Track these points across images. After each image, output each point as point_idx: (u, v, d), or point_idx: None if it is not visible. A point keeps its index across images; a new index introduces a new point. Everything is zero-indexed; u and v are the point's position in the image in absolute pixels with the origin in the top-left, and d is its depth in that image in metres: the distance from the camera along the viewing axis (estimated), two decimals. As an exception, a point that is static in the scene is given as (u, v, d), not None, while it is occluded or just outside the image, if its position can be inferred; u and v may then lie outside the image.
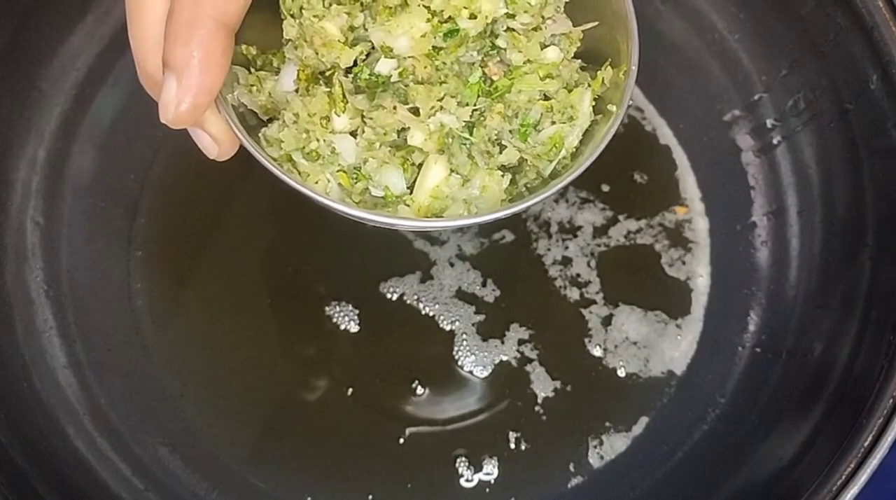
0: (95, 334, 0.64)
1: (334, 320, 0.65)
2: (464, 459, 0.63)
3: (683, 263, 0.67)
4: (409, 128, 0.41)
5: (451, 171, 0.42)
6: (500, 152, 0.43)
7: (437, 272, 0.66)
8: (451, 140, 0.42)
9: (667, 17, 0.68)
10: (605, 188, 0.68)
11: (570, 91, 0.44)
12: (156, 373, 0.64)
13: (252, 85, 0.43)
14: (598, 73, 0.44)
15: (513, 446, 0.63)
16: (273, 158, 0.42)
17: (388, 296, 0.65)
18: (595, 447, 0.63)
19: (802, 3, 0.60)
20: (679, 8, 0.67)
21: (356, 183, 0.42)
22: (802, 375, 0.60)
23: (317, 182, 0.42)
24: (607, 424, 0.64)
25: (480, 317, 0.65)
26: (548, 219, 0.67)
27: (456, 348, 0.64)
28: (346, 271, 0.66)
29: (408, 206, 0.42)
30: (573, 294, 0.66)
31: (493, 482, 0.62)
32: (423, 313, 0.65)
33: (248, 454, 0.63)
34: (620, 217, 0.67)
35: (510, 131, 0.43)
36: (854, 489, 0.49)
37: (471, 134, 0.42)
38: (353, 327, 0.65)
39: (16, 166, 0.62)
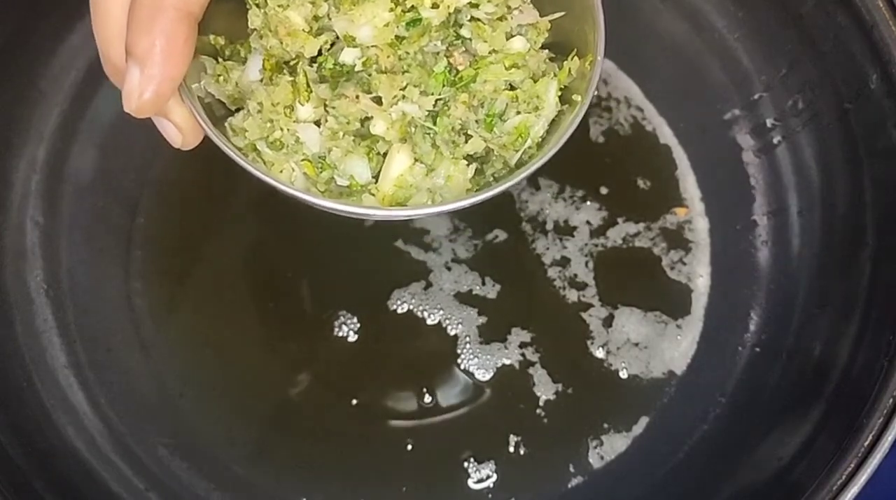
0: (95, 333, 0.64)
1: (337, 327, 0.64)
2: (465, 461, 0.63)
3: (683, 263, 0.67)
4: (371, 117, 0.41)
5: (416, 160, 0.42)
6: (466, 142, 0.43)
7: (435, 278, 0.65)
8: (413, 129, 0.42)
9: (666, 17, 0.68)
10: (604, 191, 0.68)
11: (535, 81, 0.44)
12: (156, 373, 0.64)
13: (219, 75, 0.43)
14: (565, 63, 0.44)
15: (513, 448, 0.63)
16: (238, 148, 0.42)
17: (391, 306, 0.65)
18: (595, 447, 0.64)
19: (802, 2, 0.60)
20: (678, 7, 0.67)
21: (321, 172, 0.42)
22: (802, 375, 0.60)
23: (281, 171, 0.42)
24: (608, 424, 0.64)
25: (483, 319, 0.65)
26: (544, 219, 0.67)
27: (460, 353, 0.64)
28: (348, 278, 0.65)
29: (373, 195, 0.42)
30: (572, 296, 0.66)
31: (493, 482, 0.62)
32: (426, 319, 0.65)
33: (248, 454, 0.63)
34: (619, 219, 0.67)
35: (476, 121, 0.43)
36: (854, 489, 0.49)
37: (434, 124, 0.42)
38: (355, 336, 0.64)
39: (15, 166, 0.62)
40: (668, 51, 0.68)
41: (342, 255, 0.66)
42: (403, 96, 0.41)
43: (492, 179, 0.44)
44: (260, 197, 0.67)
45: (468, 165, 0.43)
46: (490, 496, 0.62)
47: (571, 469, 0.63)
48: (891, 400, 0.50)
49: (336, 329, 0.64)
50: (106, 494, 0.60)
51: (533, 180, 0.67)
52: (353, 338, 0.64)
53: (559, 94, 0.44)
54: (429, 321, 0.65)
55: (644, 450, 0.63)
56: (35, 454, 0.57)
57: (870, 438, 0.50)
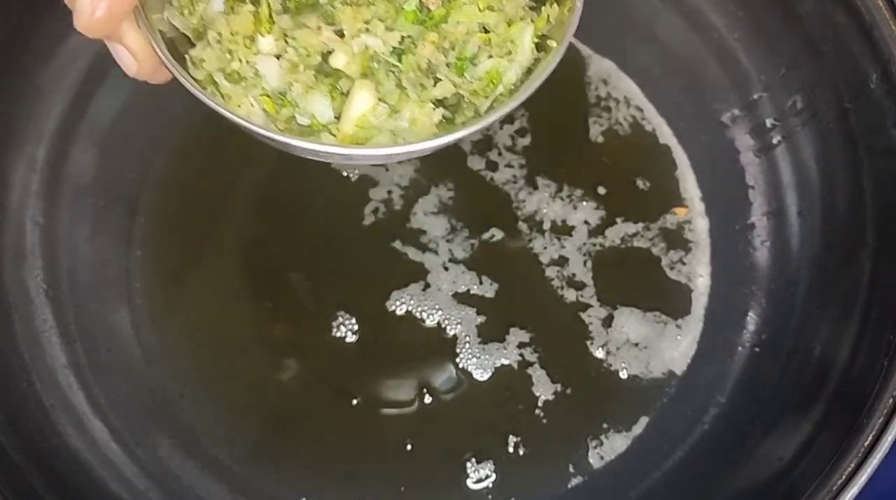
0: (95, 333, 0.64)
1: (336, 327, 0.64)
2: (465, 461, 0.63)
3: (683, 263, 0.67)
4: (333, 51, 0.41)
5: (380, 100, 0.41)
6: (435, 86, 0.42)
7: (433, 279, 0.65)
8: (376, 66, 0.41)
9: (665, 16, 0.68)
10: (602, 191, 0.68)
11: (510, 25, 0.43)
12: (155, 373, 0.64)
13: (184, 7, 0.42)
14: (543, 9, 0.43)
15: (513, 448, 0.63)
16: (197, 80, 0.41)
17: (390, 307, 0.65)
18: (595, 447, 0.63)
19: (802, 2, 0.60)
20: (678, 7, 0.67)
21: (281, 109, 0.41)
22: (802, 375, 0.60)
23: (239, 106, 0.41)
24: (608, 424, 0.64)
25: (482, 318, 0.65)
26: (541, 218, 0.67)
27: (459, 353, 0.64)
28: (347, 279, 0.65)
29: (333, 135, 0.41)
30: (571, 295, 0.66)
31: (492, 482, 0.62)
32: (424, 319, 0.65)
33: (248, 454, 0.63)
34: (618, 219, 0.67)
35: (447, 65, 0.42)
36: (854, 489, 0.49)
37: (399, 61, 0.41)
38: (354, 337, 0.64)
39: (15, 166, 0.62)
40: (668, 50, 0.68)
41: (342, 255, 0.66)
42: (367, 30, 0.40)
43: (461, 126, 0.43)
44: (260, 198, 0.67)
45: (435, 109, 0.42)
46: (489, 496, 0.62)
47: (571, 469, 0.63)
48: (891, 400, 0.51)
49: (336, 330, 0.64)
50: (106, 494, 0.60)
51: (530, 180, 0.67)
52: (352, 339, 0.64)
53: (536, 41, 0.43)
54: (428, 322, 0.65)
55: (644, 450, 0.63)
56: (35, 454, 0.57)
57: (870, 438, 0.50)
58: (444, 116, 0.42)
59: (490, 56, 0.42)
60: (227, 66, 0.41)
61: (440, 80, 0.42)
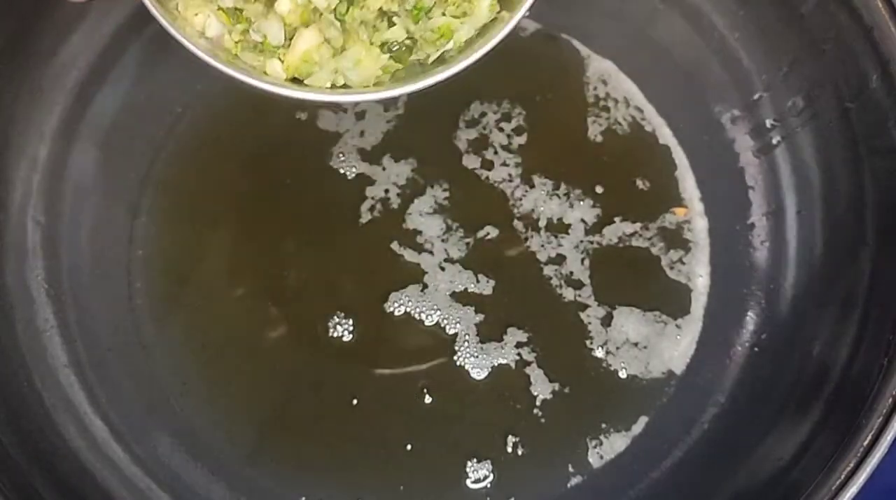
0: (96, 333, 0.64)
1: (336, 328, 0.65)
2: (465, 461, 0.63)
3: (683, 262, 0.67)
4: None
5: (325, 41, 0.42)
6: (389, 28, 0.42)
7: (430, 279, 0.65)
8: (317, 17, 0.42)
9: (666, 16, 0.68)
10: (600, 190, 0.68)
11: None
12: (156, 372, 0.64)
13: None
14: None
15: (511, 448, 0.63)
16: None
17: (388, 308, 0.65)
18: (594, 446, 0.63)
19: (802, 2, 0.60)
20: (678, 7, 0.67)
21: (236, 24, 0.42)
22: (802, 375, 0.60)
23: (196, 14, 0.42)
24: (607, 424, 0.64)
25: (480, 316, 0.65)
26: (537, 216, 0.67)
27: (458, 353, 0.64)
28: (346, 281, 0.66)
29: (281, 61, 0.42)
30: (569, 294, 0.66)
31: (491, 482, 0.62)
32: (423, 320, 0.65)
33: (248, 453, 0.63)
34: (616, 218, 0.67)
35: (405, 10, 0.42)
36: (853, 489, 0.49)
37: (345, 14, 0.41)
38: (354, 338, 0.64)
39: (17, 165, 0.62)
40: (668, 51, 0.68)
41: (341, 256, 0.66)
42: None
43: (407, 72, 0.44)
44: (260, 198, 0.67)
45: (382, 53, 0.42)
46: (489, 496, 0.62)
47: (571, 469, 0.63)
48: (890, 400, 0.51)
49: (335, 331, 0.64)
50: (106, 493, 0.60)
51: (527, 178, 0.67)
52: (352, 340, 0.64)
53: (495, 5, 0.43)
54: (427, 322, 0.65)
55: (644, 449, 0.63)
56: (35, 453, 0.57)
57: (869, 437, 0.50)
58: (396, 53, 0.43)
59: (443, 13, 0.43)
60: None
61: (394, 24, 0.42)
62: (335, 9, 0.41)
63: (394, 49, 0.43)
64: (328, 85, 0.43)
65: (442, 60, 0.43)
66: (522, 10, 0.42)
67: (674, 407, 0.64)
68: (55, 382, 0.62)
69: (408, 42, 0.43)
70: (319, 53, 0.42)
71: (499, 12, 0.44)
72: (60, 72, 0.63)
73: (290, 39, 0.42)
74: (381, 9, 0.42)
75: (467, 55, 0.42)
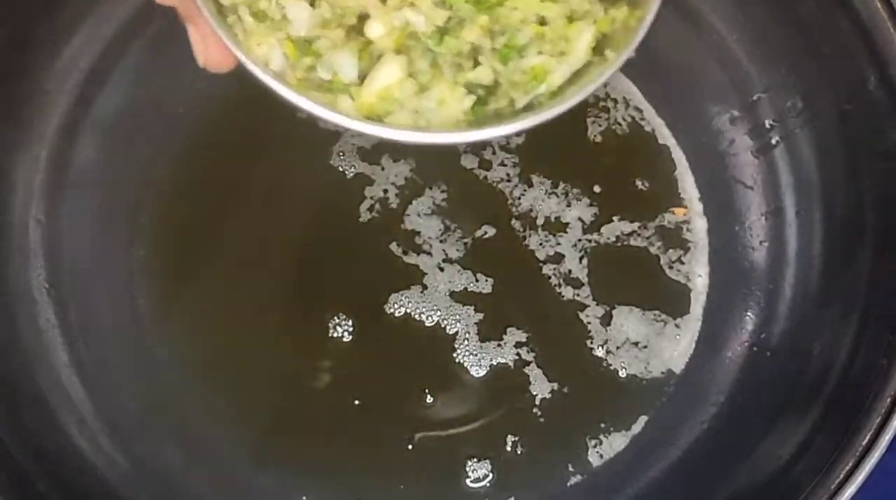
0: (98, 332, 0.64)
1: (337, 329, 0.65)
2: (464, 460, 0.63)
3: (682, 262, 0.67)
4: (370, 16, 0.37)
5: (410, 75, 0.37)
6: (474, 68, 0.38)
7: (429, 280, 0.66)
8: (413, 43, 0.37)
9: (665, 17, 0.67)
10: (598, 189, 0.68)
11: (570, 22, 0.39)
12: (158, 372, 0.64)
13: None
14: (610, 11, 0.39)
15: (511, 447, 0.63)
16: (221, 4, 0.37)
17: (388, 309, 0.65)
18: (594, 446, 0.64)
19: (802, 2, 0.60)
20: (678, 8, 0.67)
21: (303, 57, 0.38)
22: (802, 374, 0.60)
23: (259, 44, 0.38)
24: (607, 423, 0.64)
25: (480, 315, 0.65)
26: (535, 215, 0.67)
27: (458, 353, 0.64)
28: (346, 281, 0.65)
29: (352, 99, 0.37)
30: (568, 293, 0.66)
31: (491, 482, 0.63)
32: (424, 320, 0.65)
33: (248, 453, 0.63)
34: (614, 218, 0.67)
35: (492, 49, 0.38)
36: (852, 488, 0.49)
37: (440, 42, 0.37)
38: (355, 339, 0.64)
39: (18, 165, 0.63)
40: (667, 51, 0.68)
41: (341, 256, 0.66)
42: (412, 3, 0.36)
43: (492, 115, 0.39)
44: (261, 198, 0.67)
45: (467, 93, 0.38)
46: (488, 495, 0.62)
47: (570, 468, 0.63)
48: (889, 400, 0.50)
49: (336, 332, 0.65)
50: (106, 492, 0.60)
51: (525, 178, 0.67)
52: (353, 340, 0.64)
53: (594, 44, 0.39)
54: (427, 323, 0.65)
55: (643, 449, 0.63)
56: (36, 453, 0.57)
57: (868, 437, 0.50)
58: (477, 98, 0.38)
59: (540, 52, 0.38)
60: (253, 4, 0.38)
61: (480, 63, 0.38)
62: (433, 34, 0.37)
63: (478, 92, 0.38)
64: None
65: (530, 107, 0.38)
66: (632, 45, 0.37)
67: (673, 407, 0.64)
68: (57, 381, 0.62)
69: (492, 85, 0.39)
70: (402, 89, 0.37)
71: (601, 52, 0.39)
72: (63, 72, 0.63)
73: (362, 79, 0.38)
74: (470, 47, 0.38)
75: (563, 100, 0.37)
